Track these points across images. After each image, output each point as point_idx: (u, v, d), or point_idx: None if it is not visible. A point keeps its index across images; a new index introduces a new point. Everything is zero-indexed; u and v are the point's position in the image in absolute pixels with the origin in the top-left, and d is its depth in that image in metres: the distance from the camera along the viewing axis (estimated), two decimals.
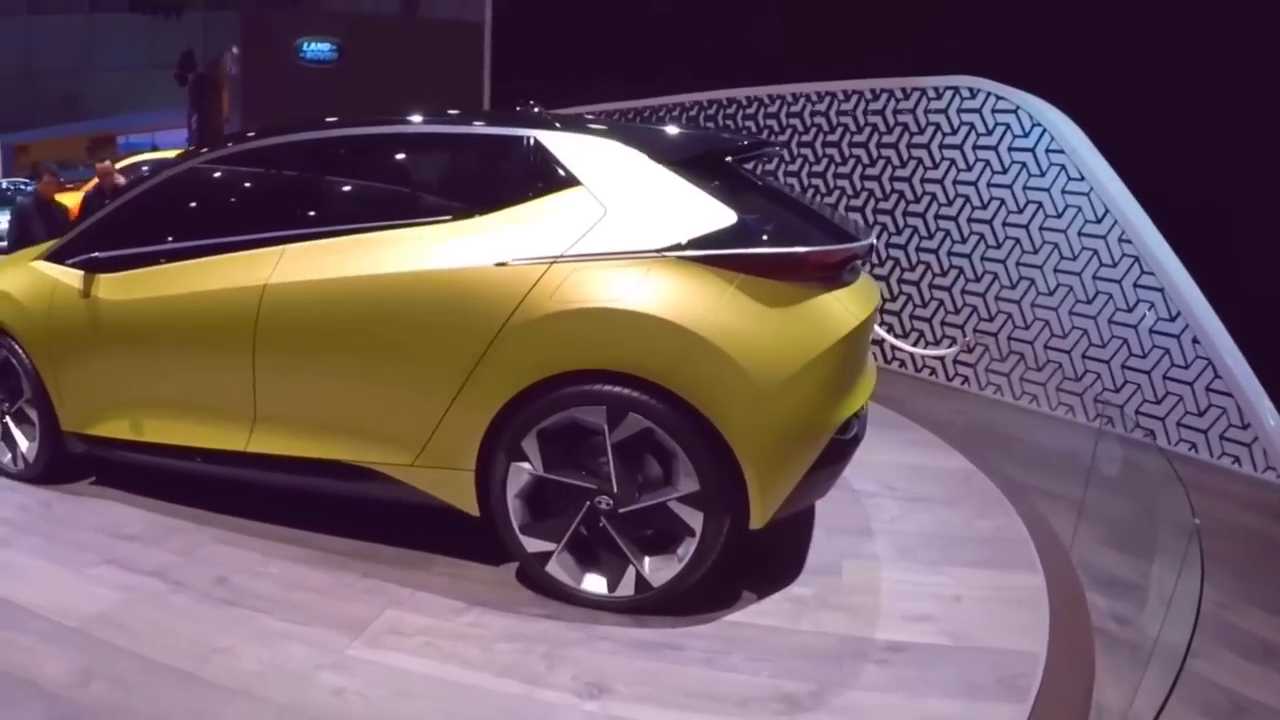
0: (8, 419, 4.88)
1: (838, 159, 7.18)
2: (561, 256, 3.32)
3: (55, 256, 4.62)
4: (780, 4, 7.55)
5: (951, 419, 6.97)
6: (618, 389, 3.21)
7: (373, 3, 23.17)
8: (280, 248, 3.87)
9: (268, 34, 20.04)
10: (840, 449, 3.47)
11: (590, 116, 4.50)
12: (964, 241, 6.52)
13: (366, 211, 3.91)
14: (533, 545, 3.51)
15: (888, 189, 6.90)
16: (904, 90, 6.70)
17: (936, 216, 6.61)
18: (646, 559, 3.37)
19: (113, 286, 4.27)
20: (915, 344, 7.27)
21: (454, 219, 3.62)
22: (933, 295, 7.19)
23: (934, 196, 6.49)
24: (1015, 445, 7.11)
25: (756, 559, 3.82)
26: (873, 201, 6.91)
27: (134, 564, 4.01)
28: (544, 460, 3.39)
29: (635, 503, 3.30)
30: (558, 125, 3.67)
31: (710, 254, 3.22)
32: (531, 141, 3.60)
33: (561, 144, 3.57)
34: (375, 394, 3.73)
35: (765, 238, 3.36)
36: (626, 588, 3.40)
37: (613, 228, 3.34)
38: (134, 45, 25.53)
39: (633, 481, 3.32)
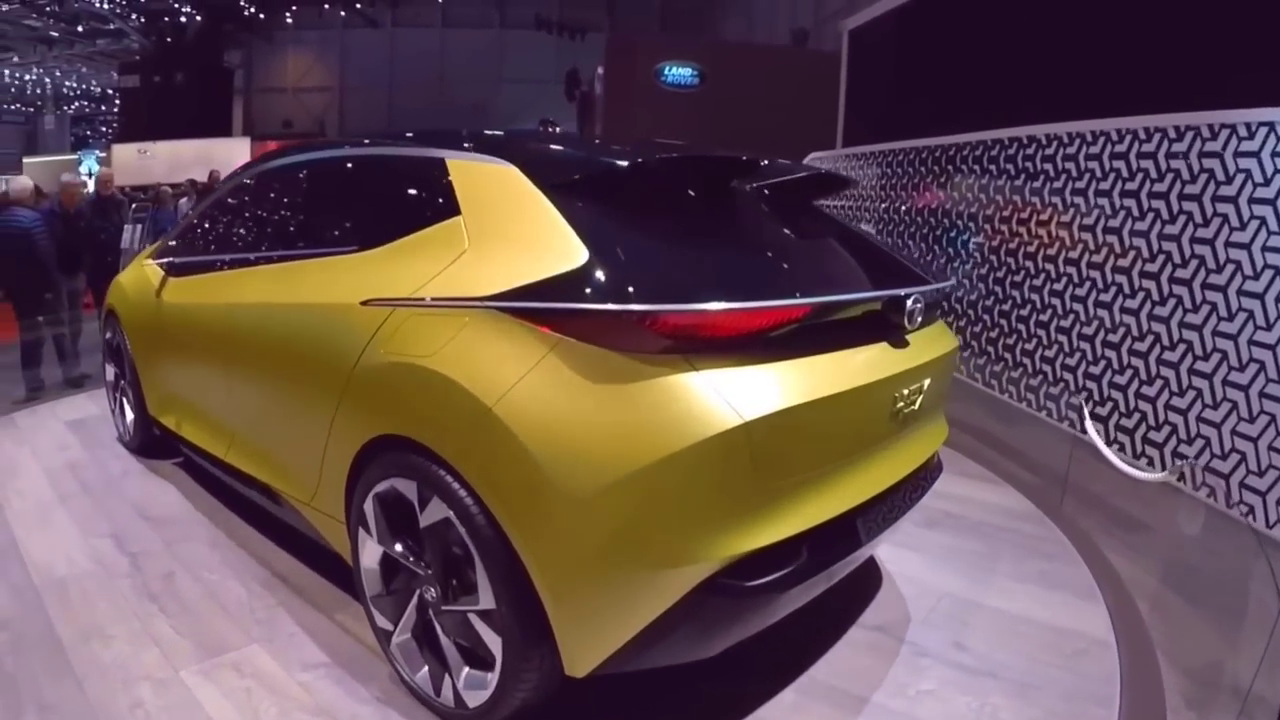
0: (121, 395, 5.70)
1: (1136, 213, 5.62)
2: (407, 300, 2.95)
3: (155, 254, 5.24)
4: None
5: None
6: (424, 463, 2.79)
7: (763, 32, 23.13)
8: (232, 271, 4.24)
9: (631, 57, 20.71)
10: (744, 598, 2.53)
11: (545, 133, 3.96)
12: (1270, 328, 4.47)
13: (292, 239, 3.98)
14: (379, 620, 3.20)
15: (1188, 253, 5.12)
16: (1210, 128, 5.04)
17: (1239, 292, 4.69)
18: (465, 670, 2.88)
19: (172, 289, 4.77)
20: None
21: (360, 249, 3.40)
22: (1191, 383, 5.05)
23: (1239, 266, 4.66)
24: None
25: None
26: (1170, 268, 5.17)
27: (126, 542, 4.40)
28: (379, 529, 3.10)
29: (450, 603, 2.89)
30: (467, 145, 3.26)
31: (529, 306, 2.56)
32: (438, 165, 3.22)
33: (459, 167, 3.16)
34: (274, 422, 3.83)
35: (607, 288, 2.48)
36: (446, 697, 2.96)
37: (463, 267, 2.87)
38: (539, 61, 28.18)
39: (449, 577, 2.89)
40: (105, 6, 26.02)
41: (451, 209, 3.02)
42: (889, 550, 4.39)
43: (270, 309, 3.74)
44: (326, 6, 27.90)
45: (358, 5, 28.08)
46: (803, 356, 2.61)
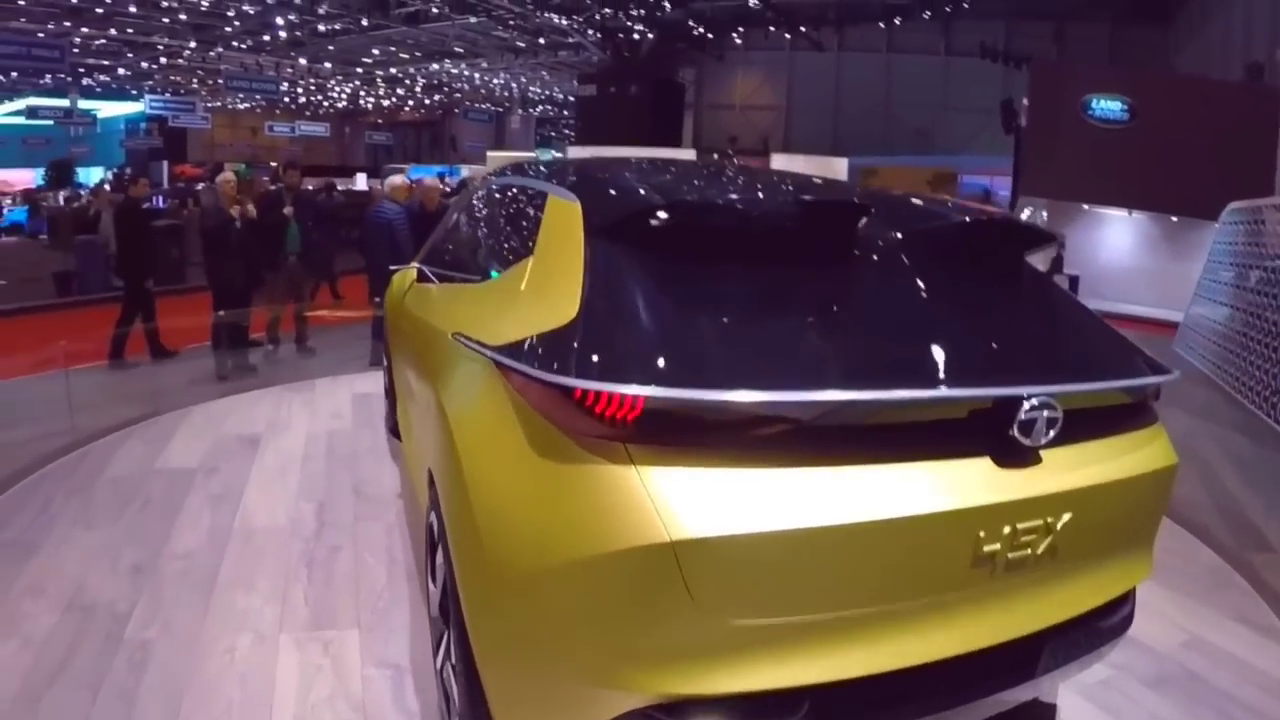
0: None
1: None
2: (462, 336, 2.95)
3: (420, 257, 5.24)
4: None
5: None
6: (438, 501, 2.96)
7: (1217, 66, 19.77)
8: (431, 285, 4.35)
9: (1056, 87, 18.53)
10: None
11: (654, 164, 3.48)
12: None
13: (461, 261, 4.13)
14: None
15: None
16: None
17: None
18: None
19: (411, 295, 4.75)
20: None
21: (481, 279, 3.53)
22: None
23: None
24: None
25: None
26: None
27: (325, 510, 5.01)
28: (429, 554, 3.34)
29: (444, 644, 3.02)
30: (569, 178, 3.15)
31: (505, 363, 2.46)
32: (543, 199, 3.15)
33: (553, 203, 3.03)
34: (415, 440, 4.09)
35: (561, 354, 2.24)
36: None
37: (505, 309, 2.84)
38: (983, 90, 26.18)
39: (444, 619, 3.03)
40: (566, 22, 28.80)
41: (532, 247, 2.98)
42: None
43: (429, 329, 3.83)
44: (773, 29, 28.96)
45: (803, 29, 28.87)
46: (819, 465, 2.13)
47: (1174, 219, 17.56)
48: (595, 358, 2.15)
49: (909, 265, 2.74)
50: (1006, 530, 2.28)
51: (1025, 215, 18.51)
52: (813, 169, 15.90)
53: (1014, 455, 2.35)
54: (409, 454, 4.44)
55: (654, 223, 2.52)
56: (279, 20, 28.75)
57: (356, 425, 6.53)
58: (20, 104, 37.05)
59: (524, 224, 3.27)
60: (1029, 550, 2.36)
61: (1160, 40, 23.04)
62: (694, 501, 1.99)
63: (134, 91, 39.97)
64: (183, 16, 28.11)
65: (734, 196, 2.79)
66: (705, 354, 2.21)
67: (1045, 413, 2.32)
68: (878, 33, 28.90)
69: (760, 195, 2.83)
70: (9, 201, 32.74)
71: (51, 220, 21.24)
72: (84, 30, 28.43)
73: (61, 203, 25.55)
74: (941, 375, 2.36)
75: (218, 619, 3.72)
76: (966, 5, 24.08)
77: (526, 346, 2.37)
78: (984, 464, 2.32)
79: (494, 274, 3.31)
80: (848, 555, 2.12)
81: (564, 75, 39.13)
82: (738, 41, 33.31)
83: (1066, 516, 2.40)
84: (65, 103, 34.20)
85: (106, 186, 26.29)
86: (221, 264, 8.85)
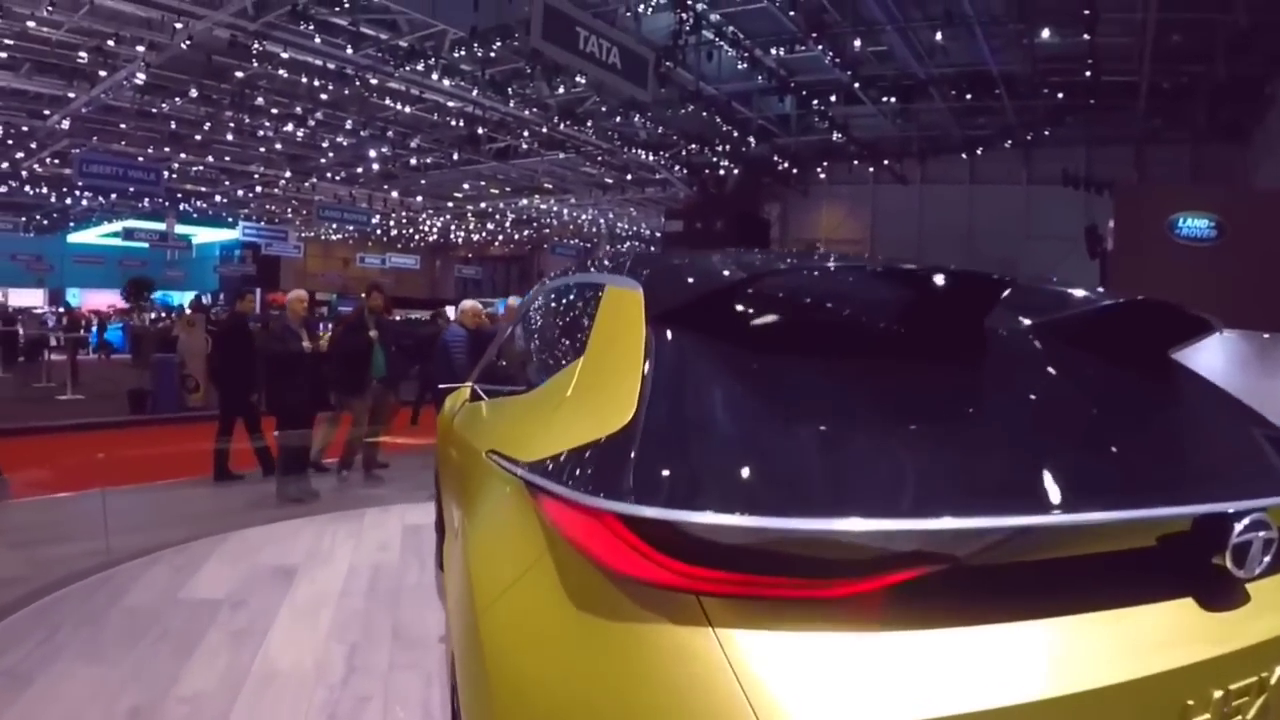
0: None
1: None
2: (495, 454, 2.48)
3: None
4: None
5: None
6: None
7: None
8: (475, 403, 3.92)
9: (1140, 207, 17.99)
10: None
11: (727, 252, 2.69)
12: None
13: (505, 373, 3.74)
14: None
15: None
16: None
17: None
18: None
19: (461, 416, 4.13)
20: None
21: (526, 389, 2.96)
22: None
23: None
24: None
25: None
26: None
27: (358, 654, 4.47)
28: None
29: None
30: (639, 264, 2.53)
31: (535, 481, 1.94)
32: (598, 292, 2.58)
33: (610, 295, 2.46)
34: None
35: (609, 471, 1.70)
36: None
37: (553, 418, 2.29)
38: (1065, 217, 25.48)
39: None
40: (653, 159, 29.15)
41: (584, 346, 2.41)
42: None
43: (468, 449, 3.27)
44: (857, 163, 29.00)
45: (886, 162, 28.89)
46: (967, 624, 1.54)
47: (1265, 335, 16.99)
48: (658, 473, 1.62)
49: (1048, 358, 2.21)
50: (1218, 695, 1.68)
51: None
52: None
53: (1222, 592, 1.80)
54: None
55: (739, 305, 2.02)
56: (372, 153, 29.56)
57: (404, 559, 6.05)
58: (118, 225, 38.49)
59: (578, 322, 2.71)
60: (1240, 717, 1.74)
61: (1239, 158, 22.77)
62: (804, 684, 1.41)
63: (229, 218, 41.23)
64: (279, 146, 29.04)
65: (839, 273, 2.27)
66: (811, 471, 1.67)
67: (1261, 533, 1.78)
68: (960, 164, 28.80)
69: (870, 273, 2.29)
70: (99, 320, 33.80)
71: (135, 339, 21.66)
72: (182, 156, 29.53)
73: (147, 323, 26.23)
74: (1122, 492, 1.81)
75: None
76: (1048, 133, 23.97)
77: (564, 460, 1.84)
78: (1185, 607, 1.75)
79: (543, 381, 2.71)
80: None
81: (651, 210, 39.61)
82: (822, 176, 33.47)
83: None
84: (161, 226, 35.45)
85: (187, 310, 26.91)
86: (286, 390, 8.62)
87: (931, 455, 1.76)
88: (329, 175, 33.18)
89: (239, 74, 21.48)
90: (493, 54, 20.24)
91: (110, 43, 18.40)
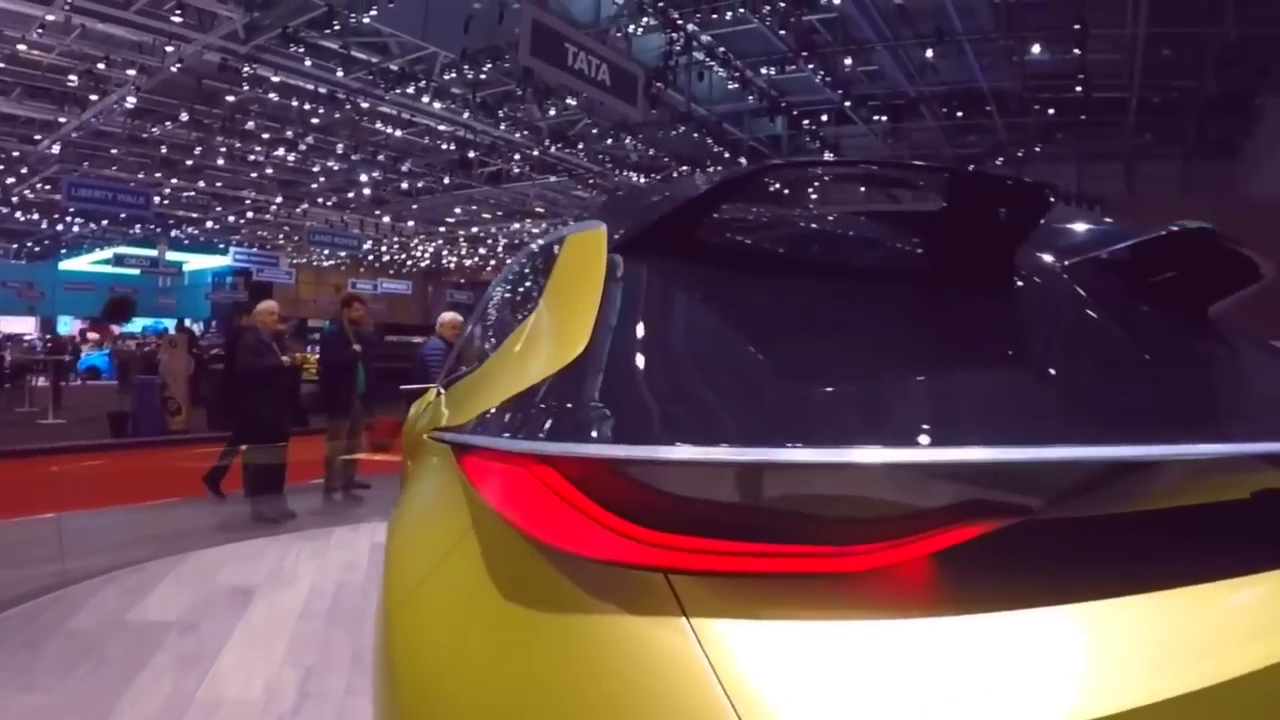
0: None
1: None
2: (435, 431, 2.09)
3: None
4: None
5: None
6: None
7: None
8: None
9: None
10: None
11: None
12: None
13: (471, 356, 3.31)
14: None
15: None
16: None
17: None
18: None
19: (423, 417, 3.56)
20: None
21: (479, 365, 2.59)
22: None
23: None
24: None
25: None
26: None
27: (313, 678, 4.16)
28: None
29: None
30: (600, 207, 2.34)
31: (458, 439, 1.59)
32: (561, 241, 2.12)
33: (571, 236, 2.03)
34: None
35: (546, 409, 1.34)
36: None
37: (495, 378, 1.90)
38: None
39: None
40: (644, 181, 28.84)
41: (539, 298, 2.00)
42: None
43: (415, 441, 2.98)
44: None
45: None
46: (1058, 603, 1.08)
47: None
48: (611, 406, 1.25)
49: (1091, 291, 1.75)
50: None
51: None
52: None
53: None
54: None
55: (720, 220, 1.73)
56: (363, 177, 29.43)
57: (370, 579, 5.72)
58: (109, 252, 38.30)
59: (536, 282, 2.22)
60: None
61: (1230, 172, 22.74)
62: (809, 685, 0.98)
63: (221, 245, 41.05)
64: (270, 171, 28.91)
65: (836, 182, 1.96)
66: (820, 396, 1.23)
67: None
68: None
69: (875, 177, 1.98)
70: (87, 347, 33.53)
71: (120, 363, 21.46)
72: (174, 181, 29.39)
73: (133, 347, 26.09)
74: (1222, 429, 1.43)
75: None
76: (1038, 150, 23.88)
77: (495, 411, 1.49)
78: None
79: (496, 351, 2.27)
80: None
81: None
82: (814, 196, 33.65)
83: None
84: (153, 252, 35.26)
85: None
86: (260, 405, 8.35)
87: (974, 380, 1.35)
88: (320, 200, 33.07)
89: (230, 98, 21.39)
90: (483, 76, 20.13)
91: (101, 66, 18.26)
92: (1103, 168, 25.15)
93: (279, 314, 8.82)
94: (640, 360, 1.33)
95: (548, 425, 1.26)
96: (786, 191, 1.96)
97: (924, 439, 1.12)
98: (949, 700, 0.97)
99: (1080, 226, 2.02)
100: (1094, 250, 1.85)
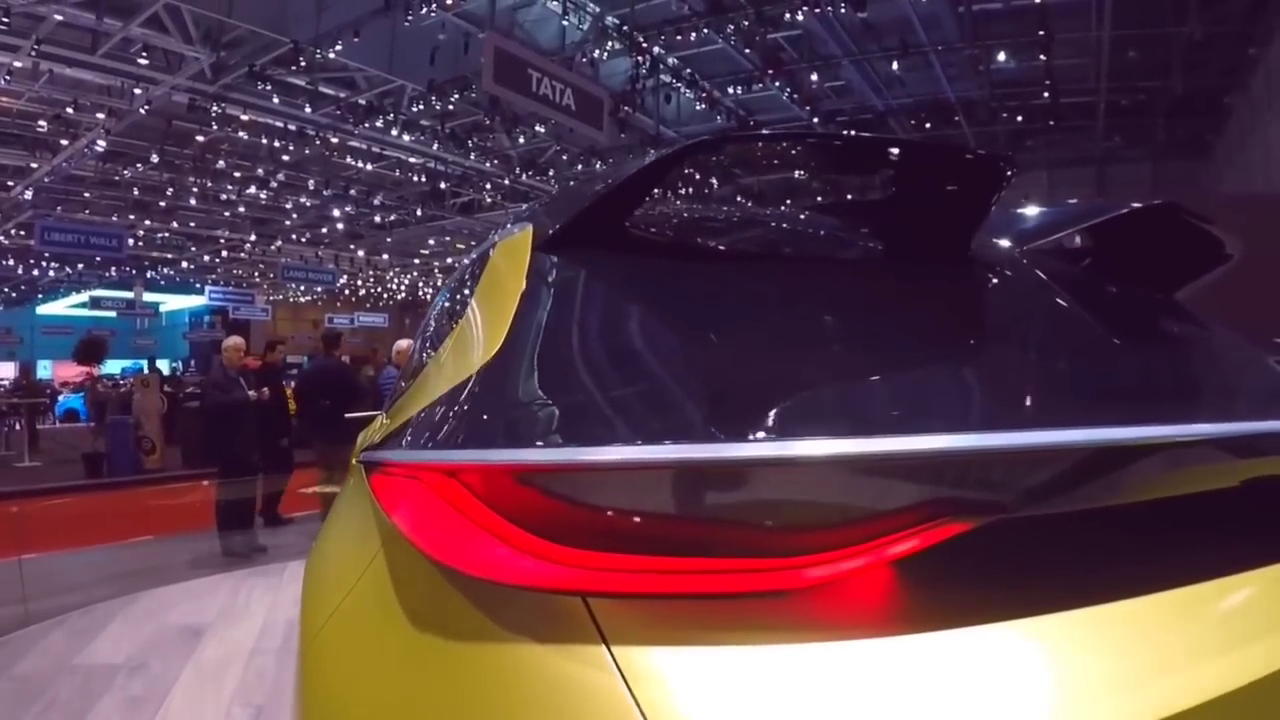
0: None
1: None
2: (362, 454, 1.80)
3: None
4: None
5: None
6: None
7: (1262, 189, 18.54)
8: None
9: None
10: None
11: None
12: None
13: (408, 373, 3.28)
14: None
15: None
16: None
17: None
18: None
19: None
20: None
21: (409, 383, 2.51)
22: None
23: None
24: None
25: None
26: None
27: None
28: None
29: None
30: (532, 210, 2.08)
31: (367, 458, 1.45)
32: (492, 247, 1.95)
33: (500, 243, 1.87)
34: None
35: (456, 418, 1.22)
36: None
37: (411, 396, 1.81)
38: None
39: None
40: None
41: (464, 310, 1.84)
42: None
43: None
44: None
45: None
46: (1041, 613, 0.96)
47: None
48: (521, 410, 1.14)
49: (1050, 276, 1.59)
50: None
51: None
52: None
53: None
54: None
55: (647, 208, 1.66)
56: (336, 212, 29.42)
57: None
58: (85, 295, 38.15)
59: (470, 286, 2.00)
60: None
61: (1201, 172, 22.87)
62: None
63: (197, 284, 40.88)
64: (242, 210, 28.87)
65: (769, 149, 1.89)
66: (755, 390, 1.07)
67: None
68: None
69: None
70: (66, 391, 33.36)
71: (96, 404, 21.40)
72: (147, 223, 29.32)
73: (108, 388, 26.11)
74: (1211, 410, 1.33)
75: None
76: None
77: (403, 426, 1.42)
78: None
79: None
80: None
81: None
82: None
83: None
84: (129, 294, 35.17)
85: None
86: (229, 440, 8.30)
87: (930, 368, 1.19)
88: (294, 237, 33.03)
89: (200, 138, 21.32)
90: (451, 107, 20.16)
91: (70, 111, 18.25)
92: (1074, 173, 25.16)
93: (248, 350, 8.90)
94: (555, 361, 1.22)
95: (451, 434, 1.16)
96: (718, 173, 1.89)
97: (875, 431, 0.97)
98: None
99: (1042, 208, 1.95)
100: (1057, 231, 1.78)
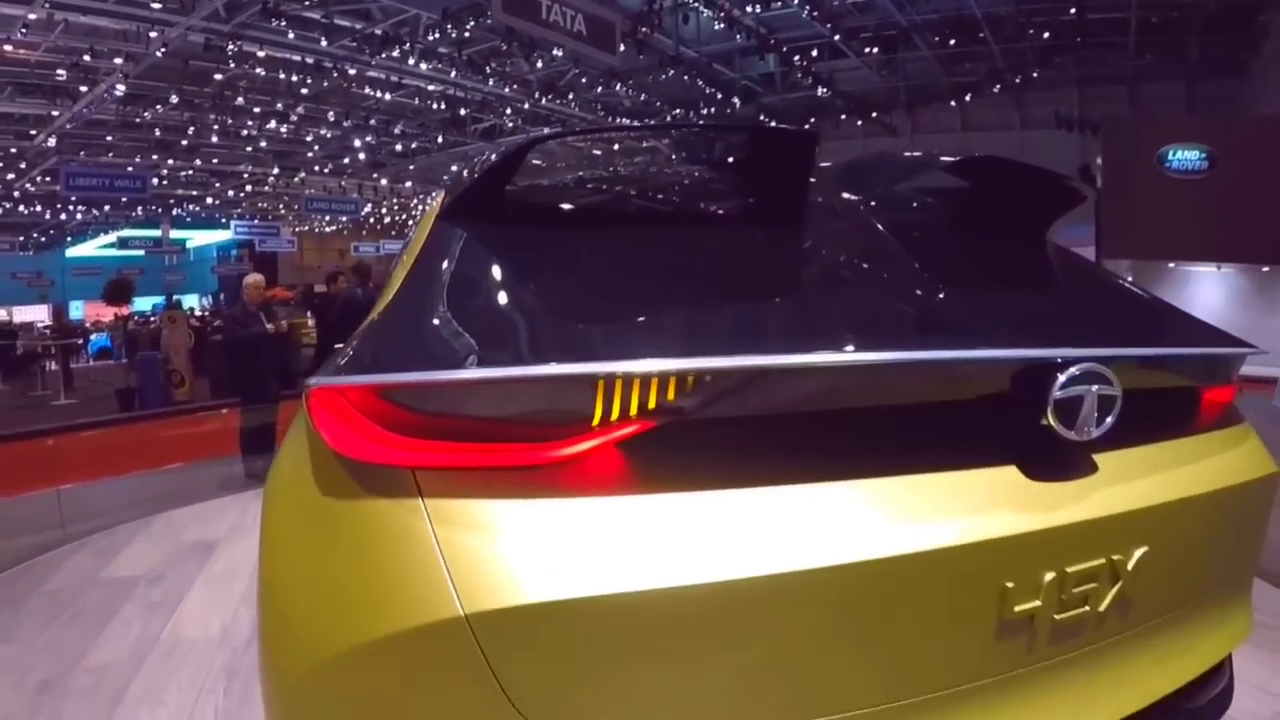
0: None
1: None
2: None
3: None
4: None
5: None
6: None
7: None
8: None
9: (1131, 145, 17.39)
10: None
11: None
12: None
13: None
14: None
15: None
16: None
17: None
18: None
19: None
20: None
21: None
22: None
23: None
24: None
25: None
26: None
27: (183, 628, 4.40)
28: None
29: None
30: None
31: (305, 384, 1.79)
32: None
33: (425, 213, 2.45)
34: None
35: (354, 353, 1.70)
36: None
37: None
38: (1063, 161, 24.16)
39: None
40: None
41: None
42: None
43: None
44: (844, 117, 28.53)
45: (875, 115, 28.51)
46: (717, 487, 1.41)
47: (1265, 269, 16.51)
48: (383, 345, 1.69)
49: (883, 222, 2.04)
50: (1050, 577, 1.53)
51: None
52: None
53: (1054, 460, 1.62)
54: None
55: (521, 183, 2.13)
56: (357, 143, 29.79)
57: None
58: (113, 236, 38.91)
59: (402, 250, 2.53)
60: (1088, 606, 1.60)
61: (1237, 92, 22.41)
62: (510, 556, 1.33)
63: (223, 219, 41.65)
64: (264, 144, 29.31)
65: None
66: (535, 327, 1.61)
67: (1095, 388, 1.59)
68: (950, 112, 28.16)
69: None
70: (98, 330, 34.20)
71: (128, 341, 22.08)
72: (170, 162, 29.89)
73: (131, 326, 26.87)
74: (919, 337, 1.69)
75: None
76: (1036, 75, 23.59)
77: (330, 359, 1.82)
78: (1006, 476, 1.57)
79: None
80: (779, 630, 1.40)
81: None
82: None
83: (1139, 551, 1.63)
84: (156, 233, 35.76)
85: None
86: (249, 371, 8.76)
87: (688, 306, 1.69)
88: (317, 168, 33.46)
89: (218, 76, 21.71)
90: (467, 34, 20.30)
91: (87, 58, 18.69)
92: (1105, 90, 24.68)
93: (265, 286, 9.28)
94: (415, 307, 1.76)
95: (346, 364, 1.64)
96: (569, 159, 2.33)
97: (616, 356, 1.41)
98: (615, 556, 1.33)
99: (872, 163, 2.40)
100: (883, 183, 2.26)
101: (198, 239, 43.58)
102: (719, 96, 26.01)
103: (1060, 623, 1.56)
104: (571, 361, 1.40)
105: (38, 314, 38.72)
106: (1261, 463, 2.00)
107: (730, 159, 2.35)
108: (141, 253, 36.33)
